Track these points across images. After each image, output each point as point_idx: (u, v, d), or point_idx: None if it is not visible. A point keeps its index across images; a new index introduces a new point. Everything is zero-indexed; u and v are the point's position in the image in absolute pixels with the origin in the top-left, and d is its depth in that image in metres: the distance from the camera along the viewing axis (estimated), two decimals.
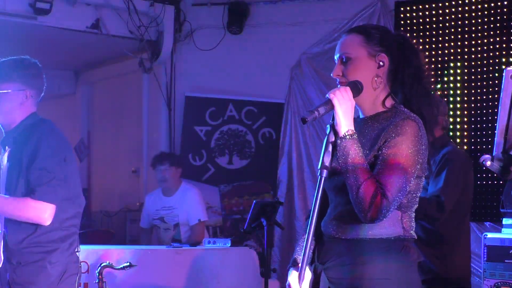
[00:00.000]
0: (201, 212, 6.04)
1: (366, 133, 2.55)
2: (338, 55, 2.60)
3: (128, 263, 4.55)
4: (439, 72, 6.57)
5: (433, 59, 6.60)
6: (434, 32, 6.68)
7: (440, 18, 6.66)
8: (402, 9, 6.86)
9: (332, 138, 2.41)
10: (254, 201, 5.25)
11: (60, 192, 3.25)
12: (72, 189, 3.36)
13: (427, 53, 6.57)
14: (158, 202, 6.14)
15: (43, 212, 3.20)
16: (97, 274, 4.44)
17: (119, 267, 4.50)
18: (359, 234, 2.49)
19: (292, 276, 2.63)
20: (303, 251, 2.38)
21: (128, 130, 8.35)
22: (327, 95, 2.43)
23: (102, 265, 4.44)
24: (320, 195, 2.36)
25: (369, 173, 2.39)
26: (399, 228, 2.51)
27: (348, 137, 2.40)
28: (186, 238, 5.93)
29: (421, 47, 6.66)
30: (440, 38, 6.63)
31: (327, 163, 2.37)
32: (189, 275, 5.12)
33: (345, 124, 2.40)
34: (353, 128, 2.42)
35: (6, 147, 3.41)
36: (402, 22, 6.84)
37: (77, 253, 3.41)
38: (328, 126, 2.44)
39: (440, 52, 6.61)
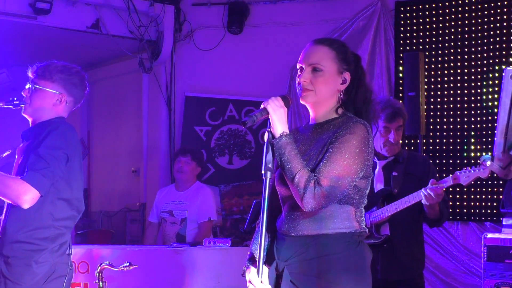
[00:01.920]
0: (212, 211, 6.04)
1: (318, 137, 2.79)
2: (307, 63, 2.80)
3: (127, 263, 4.55)
4: (439, 72, 6.57)
5: (433, 59, 6.61)
6: (434, 32, 6.69)
7: (440, 18, 6.67)
8: (402, 9, 6.86)
9: (271, 141, 2.66)
10: (254, 201, 5.25)
11: (49, 184, 3.24)
12: (73, 192, 3.37)
13: (427, 53, 6.57)
14: (170, 196, 6.14)
15: (24, 193, 3.18)
16: (97, 274, 4.44)
17: (119, 267, 4.50)
18: (318, 230, 2.69)
19: (252, 273, 2.83)
20: (259, 249, 2.57)
21: (128, 130, 8.36)
22: (262, 104, 2.69)
23: (101, 265, 4.43)
24: (267, 196, 2.57)
25: (303, 165, 2.63)
26: (354, 222, 2.73)
27: (283, 137, 2.64)
28: (191, 235, 5.93)
29: (420, 47, 6.66)
30: (440, 38, 6.64)
31: (269, 165, 2.60)
32: (189, 275, 5.11)
33: (280, 127, 2.66)
34: (287, 131, 2.67)
35: (24, 140, 3.44)
36: (402, 22, 6.85)
37: (68, 255, 3.41)
38: (266, 132, 2.69)
39: (440, 52, 6.61)
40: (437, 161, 6.41)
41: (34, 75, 3.49)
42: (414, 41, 6.77)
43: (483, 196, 6.19)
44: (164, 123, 7.70)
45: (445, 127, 6.52)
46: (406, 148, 6.38)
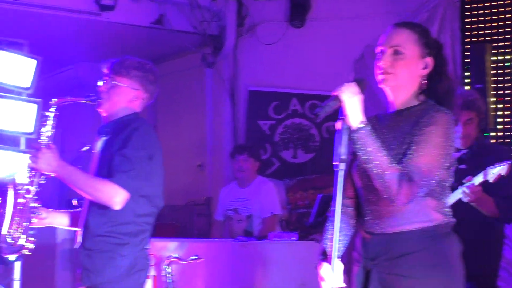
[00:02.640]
0: (276, 205, 6.04)
1: (399, 125, 2.67)
2: (388, 46, 2.68)
3: (195, 256, 4.59)
4: (508, 64, 6.43)
5: (501, 50, 6.46)
6: (501, 23, 6.54)
7: (507, 8, 6.52)
8: (467, 0, 6.74)
9: (346, 132, 2.50)
10: (320, 195, 5.23)
11: (136, 184, 3.28)
12: (154, 189, 3.40)
13: (494, 45, 6.43)
14: (233, 193, 6.16)
15: (115, 196, 3.22)
16: (165, 267, 4.49)
17: (186, 260, 4.55)
18: (402, 226, 2.59)
19: (324, 269, 2.67)
20: (332, 244, 2.47)
21: (192, 124, 8.41)
22: (333, 92, 2.54)
23: (169, 258, 4.48)
24: (341, 189, 2.46)
25: (389, 160, 2.49)
26: (438, 215, 2.61)
27: (362, 128, 2.48)
28: (258, 231, 5.94)
29: (487, 38, 6.53)
30: (508, 29, 6.49)
31: (343, 156, 2.46)
32: (255, 269, 5.13)
33: (356, 117, 2.49)
34: (365, 121, 2.50)
35: (101, 135, 3.48)
36: (467, 13, 6.72)
37: (146, 250, 3.44)
38: (338, 121, 2.53)
39: (508, 43, 6.47)
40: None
41: (110, 71, 3.51)
42: (481, 32, 6.65)
43: None
44: (227, 118, 7.73)
45: None
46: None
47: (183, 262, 4.54)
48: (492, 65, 5.89)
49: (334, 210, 2.48)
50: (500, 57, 6.44)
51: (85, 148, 3.57)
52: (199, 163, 8.11)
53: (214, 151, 7.85)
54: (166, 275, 4.48)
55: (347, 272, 2.66)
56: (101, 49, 8.14)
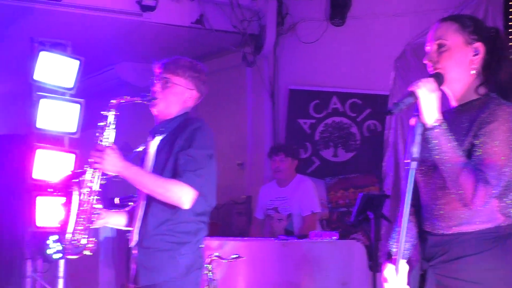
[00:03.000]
0: (315, 204, 6.03)
1: (460, 121, 2.54)
2: (432, 42, 2.61)
3: (236, 255, 4.60)
4: None
5: None
6: None
7: None
8: None
9: (420, 130, 2.41)
10: (361, 194, 5.20)
11: (201, 183, 3.32)
12: (210, 187, 3.44)
13: None
14: (273, 192, 6.17)
15: (185, 195, 3.26)
16: (206, 266, 4.50)
17: (228, 258, 4.56)
18: (463, 228, 2.49)
19: (388, 270, 2.61)
20: (398, 245, 2.40)
21: (233, 124, 8.43)
22: (409, 88, 2.44)
23: (210, 256, 4.49)
24: (411, 188, 2.37)
25: (465, 161, 2.39)
26: (498, 216, 2.49)
27: (437, 127, 2.40)
28: (298, 229, 5.94)
29: None
30: None
31: (415, 155, 2.37)
32: (296, 268, 5.12)
33: (431, 115, 2.40)
34: (440, 118, 2.42)
35: (156, 135, 3.50)
36: (510, 10, 6.62)
37: (202, 248, 3.46)
38: (413, 118, 2.44)
39: None
40: None
41: (164, 71, 3.53)
42: None
43: None
44: (268, 117, 7.73)
45: None
46: None
47: (224, 261, 4.55)
48: None
49: (402, 210, 2.40)
50: None
51: (140, 148, 3.60)
52: (239, 162, 8.12)
53: (254, 150, 7.86)
54: (207, 273, 4.50)
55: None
56: (142, 50, 8.21)
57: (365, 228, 6.33)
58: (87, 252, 3.36)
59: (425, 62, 2.63)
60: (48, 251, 5.56)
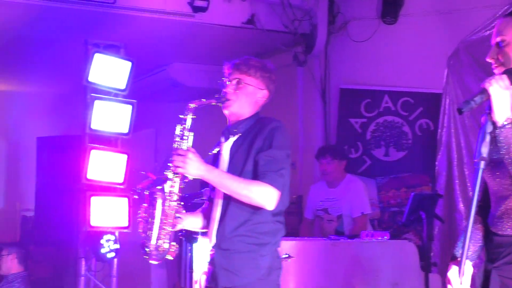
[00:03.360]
0: (365, 204, 6.00)
1: None
2: (495, 38, 2.55)
3: (286, 255, 4.60)
4: None
5: None
6: None
7: None
8: None
9: (490, 129, 2.32)
10: (412, 194, 5.16)
11: (283, 184, 3.31)
12: (285, 187, 3.41)
13: None
14: (322, 193, 6.16)
15: (269, 196, 3.25)
16: None
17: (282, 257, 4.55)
18: None
19: (452, 271, 2.57)
20: (462, 246, 2.33)
21: (284, 123, 8.43)
22: (482, 85, 2.36)
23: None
24: (479, 188, 2.29)
25: None
26: None
27: (508, 125, 2.32)
28: (349, 230, 5.92)
29: None
30: None
31: (484, 154, 2.28)
32: (346, 268, 5.10)
33: (503, 113, 2.32)
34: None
35: (230, 136, 3.51)
36: None
37: (279, 249, 3.46)
38: (484, 116, 2.36)
39: None
40: None
41: (235, 71, 3.54)
42: None
43: None
44: (319, 116, 7.71)
45: None
46: None
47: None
48: None
49: (471, 211, 2.34)
50: None
51: (215, 150, 3.63)
52: (291, 161, 8.12)
53: (306, 150, 7.85)
54: None
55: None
56: (193, 50, 8.28)
57: (417, 228, 6.27)
58: (169, 257, 3.37)
59: (487, 60, 2.56)
60: (102, 250, 5.65)
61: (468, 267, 2.50)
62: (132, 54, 6.09)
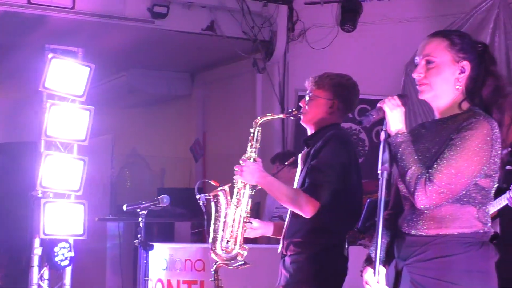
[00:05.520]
0: None
1: (441, 133, 2.66)
2: (421, 57, 2.70)
3: (242, 261, 4.59)
4: None
5: None
6: None
7: None
8: None
9: (387, 141, 2.62)
10: (368, 200, 5.18)
11: (325, 193, 3.40)
12: (337, 196, 3.47)
13: None
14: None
15: (305, 205, 3.40)
16: (213, 272, 4.50)
17: (234, 265, 4.54)
18: (438, 229, 2.59)
19: (368, 273, 2.73)
20: (375, 249, 2.57)
21: (243, 129, 8.41)
22: (378, 104, 2.65)
23: (217, 263, 4.48)
24: (383, 196, 2.55)
25: (416, 162, 2.57)
26: (476, 222, 2.60)
27: (399, 135, 2.60)
28: None
29: None
30: None
31: (386, 164, 2.59)
32: None
33: (395, 127, 2.62)
34: (404, 130, 2.62)
35: (305, 147, 3.67)
36: None
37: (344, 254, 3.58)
38: (382, 131, 2.65)
39: None
40: None
41: (310, 85, 3.70)
42: None
43: None
44: (277, 122, 7.74)
45: None
46: None
47: (231, 268, 4.55)
48: None
49: (378, 216, 2.56)
50: None
51: (290, 161, 3.81)
52: None
53: (265, 156, 7.84)
54: (214, 280, 4.49)
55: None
56: (153, 56, 8.26)
57: (372, 234, 6.30)
58: (239, 259, 3.62)
59: (413, 76, 2.72)
60: (56, 259, 5.58)
61: (382, 268, 2.66)
62: (91, 60, 6.03)
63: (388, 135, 2.63)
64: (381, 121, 2.68)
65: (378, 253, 2.57)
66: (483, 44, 2.75)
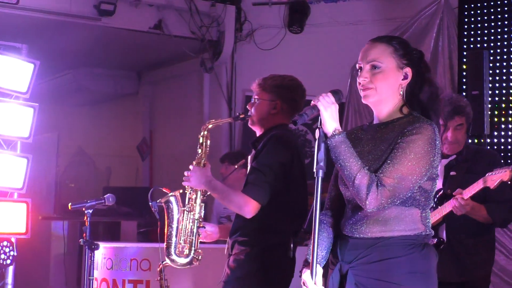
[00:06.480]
0: None
1: (384, 136, 2.71)
2: (365, 62, 2.75)
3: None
4: (504, 71, 6.41)
5: (498, 57, 6.45)
6: (499, 30, 6.51)
7: (506, 16, 6.50)
8: (466, 6, 6.71)
9: (323, 139, 2.59)
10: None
11: (263, 194, 3.45)
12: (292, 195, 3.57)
13: (491, 51, 6.41)
14: None
15: (244, 205, 3.46)
16: (159, 271, 4.48)
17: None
18: (382, 232, 2.64)
19: (306, 274, 2.72)
20: (312, 251, 2.56)
21: (190, 129, 8.42)
22: (312, 102, 2.62)
23: (163, 262, 4.47)
24: (319, 195, 2.54)
25: (362, 165, 2.57)
26: (419, 225, 2.66)
27: (336, 135, 2.58)
28: None
29: (485, 44, 6.52)
30: (506, 36, 6.47)
31: (321, 163, 2.56)
32: None
33: (331, 125, 2.59)
34: (339, 128, 2.61)
35: (253, 149, 3.71)
36: (466, 20, 6.70)
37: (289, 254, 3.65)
38: (316, 129, 2.62)
39: (505, 50, 6.45)
40: (502, 161, 6.26)
41: (255, 88, 3.73)
42: (478, 39, 6.62)
43: None
44: (225, 123, 7.74)
45: (510, 126, 6.37)
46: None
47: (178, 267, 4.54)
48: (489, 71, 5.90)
49: (314, 218, 2.55)
50: (497, 64, 6.43)
51: (239, 163, 3.90)
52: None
53: (212, 156, 7.84)
54: (160, 280, 4.48)
55: (325, 275, 2.72)
56: (99, 54, 8.18)
57: None
58: (195, 263, 3.70)
59: (358, 80, 2.76)
60: None
61: (319, 269, 2.67)
62: (36, 57, 5.94)
63: (324, 134, 2.60)
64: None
65: (315, 254, 2.56)
66: (419, 51, 2.82)
